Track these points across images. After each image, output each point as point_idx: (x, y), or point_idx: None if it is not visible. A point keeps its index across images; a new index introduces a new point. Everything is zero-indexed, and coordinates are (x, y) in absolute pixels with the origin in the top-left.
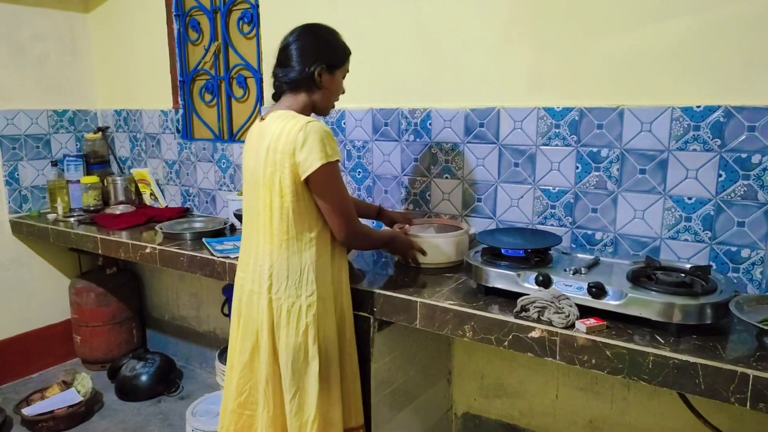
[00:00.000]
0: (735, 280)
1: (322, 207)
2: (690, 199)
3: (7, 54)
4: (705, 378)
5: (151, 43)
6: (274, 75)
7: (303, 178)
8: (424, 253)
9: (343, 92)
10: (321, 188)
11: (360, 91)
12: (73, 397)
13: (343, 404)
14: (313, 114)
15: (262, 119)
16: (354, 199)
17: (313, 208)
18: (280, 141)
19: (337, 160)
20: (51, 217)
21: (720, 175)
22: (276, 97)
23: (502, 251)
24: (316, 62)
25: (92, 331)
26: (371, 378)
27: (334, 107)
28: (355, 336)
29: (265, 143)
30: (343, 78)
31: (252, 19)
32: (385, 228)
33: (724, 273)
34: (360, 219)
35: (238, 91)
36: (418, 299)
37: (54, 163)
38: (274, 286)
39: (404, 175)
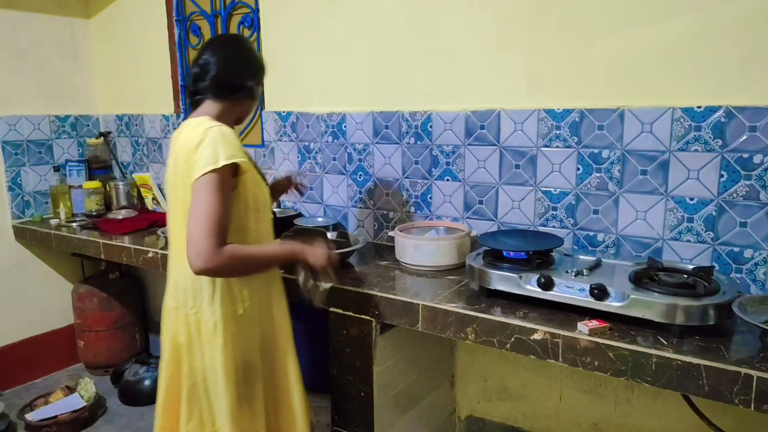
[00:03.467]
0: (738, 281)
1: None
2: (692, 199)
3: (7, 59)
4: (708, 379)
5: (152, 48)
6: (196, 83)
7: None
8: (333, 275)
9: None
10: (194, 196)
11: (360, 95)
12: (76, 402)
13: (286, 420)
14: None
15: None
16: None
17: None
18: (184, 149)
19: (231, 165)
20: (53, 222)
21: (722, 176)
22: (195, 105)
23: (504, 253)
24: (254, 76)
25: (95, 336)
26: (374, 381)
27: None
28: (293, 349)
29: (176, 152)
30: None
31: (252, 23)
32: (285, 242)
33: (727, 274)
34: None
35: None
36: (420, 302)
37: (56, 169)
38: (189, 301)
39: (405, 177)
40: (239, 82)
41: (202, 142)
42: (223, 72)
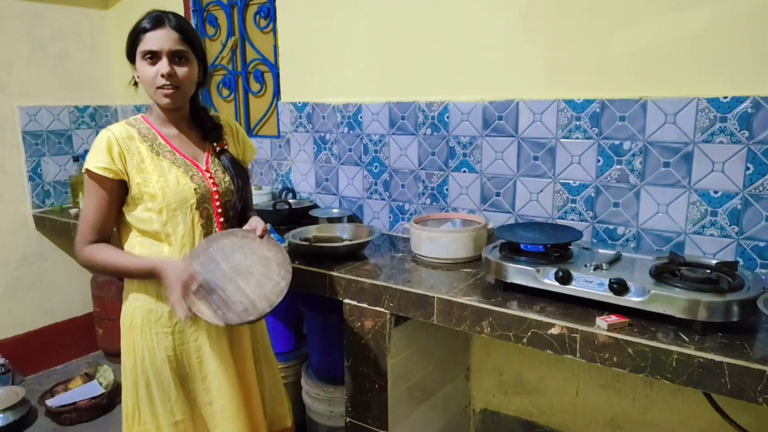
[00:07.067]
0: (763, 277)
1: None
2: (716, 192)
3: (28, 51)
4: (731, 377)
5: None
6: None
7: None
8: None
9: (164, 75)
10: None
11: (376, 85)
12: (95, 389)
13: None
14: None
15: None
16: None
17: (118, 219)
18: None
19: (93, 169)
20: (73, 212)
21: (748, 168)
22: None
23: (521, 246)
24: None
25: (114, 324)
26: (388, 373)
27: (164, 98)
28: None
29: None
30: (151, 60)
31: (269, 13)
32: (152, 259)
33: (752, 269)
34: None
35: (255, 86)
36: (436, 295)
37: (76, 159)
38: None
39: (421, 169)
40: None
41: None
42: None
